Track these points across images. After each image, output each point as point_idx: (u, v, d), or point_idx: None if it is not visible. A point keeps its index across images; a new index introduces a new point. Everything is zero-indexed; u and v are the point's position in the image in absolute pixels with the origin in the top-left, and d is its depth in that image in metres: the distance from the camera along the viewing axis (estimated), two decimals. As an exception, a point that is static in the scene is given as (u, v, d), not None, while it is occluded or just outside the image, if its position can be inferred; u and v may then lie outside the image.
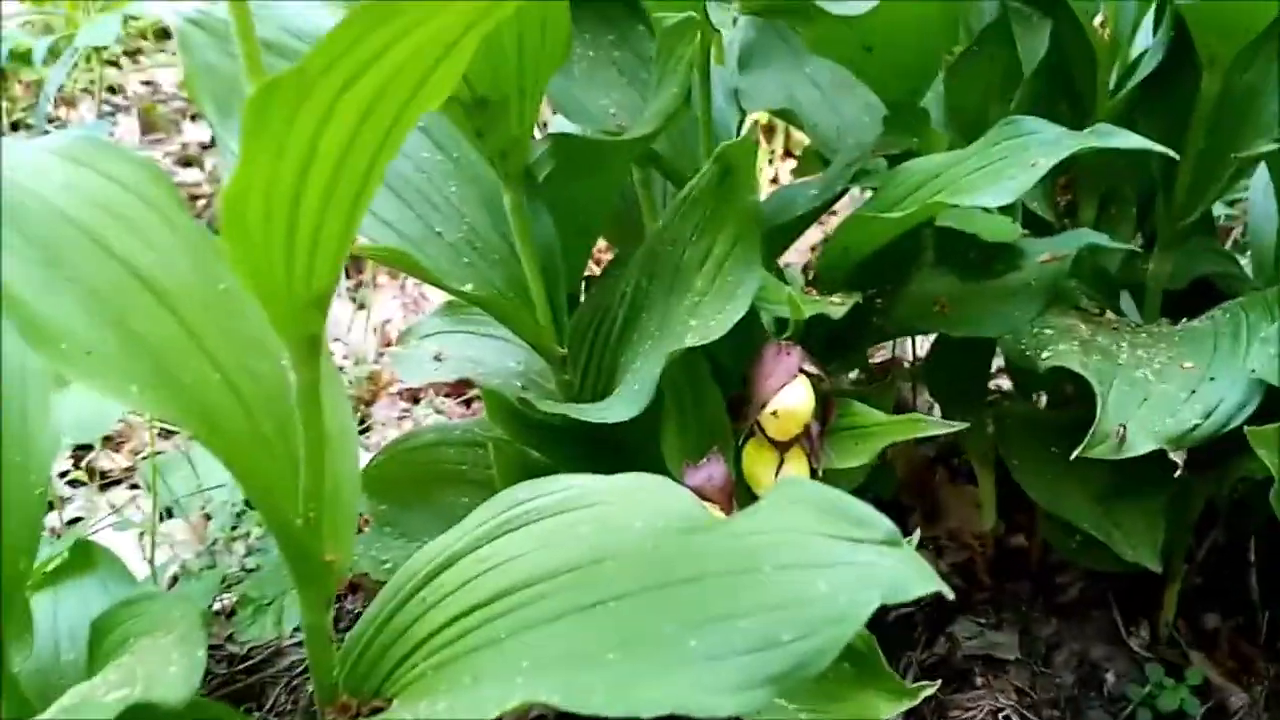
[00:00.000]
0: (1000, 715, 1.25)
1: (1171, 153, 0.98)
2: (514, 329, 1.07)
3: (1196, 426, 0.96)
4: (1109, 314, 1.23)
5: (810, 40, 1.27)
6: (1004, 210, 1.19)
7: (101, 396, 0.81)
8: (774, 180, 2.29)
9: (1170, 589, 1.34)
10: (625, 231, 1.31)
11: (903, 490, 1.55)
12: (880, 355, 1.73)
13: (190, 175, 2.67)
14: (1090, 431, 0.97)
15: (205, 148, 2.79)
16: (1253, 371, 0.99)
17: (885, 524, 0.59)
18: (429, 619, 0.69)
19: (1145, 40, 1.29)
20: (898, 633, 1.36)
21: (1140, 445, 0.95)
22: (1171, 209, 1.24)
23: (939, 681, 0.90)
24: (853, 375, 1.47)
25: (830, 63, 1.32)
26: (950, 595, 0.57)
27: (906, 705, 0.86)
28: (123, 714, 0.57)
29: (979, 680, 1.30)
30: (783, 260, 1.37)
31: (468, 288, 1.03)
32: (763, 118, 2.24)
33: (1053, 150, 0.98)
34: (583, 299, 1.18)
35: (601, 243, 1.55)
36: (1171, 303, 1.32)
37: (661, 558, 0.65)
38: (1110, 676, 1.33)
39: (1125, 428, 0.96)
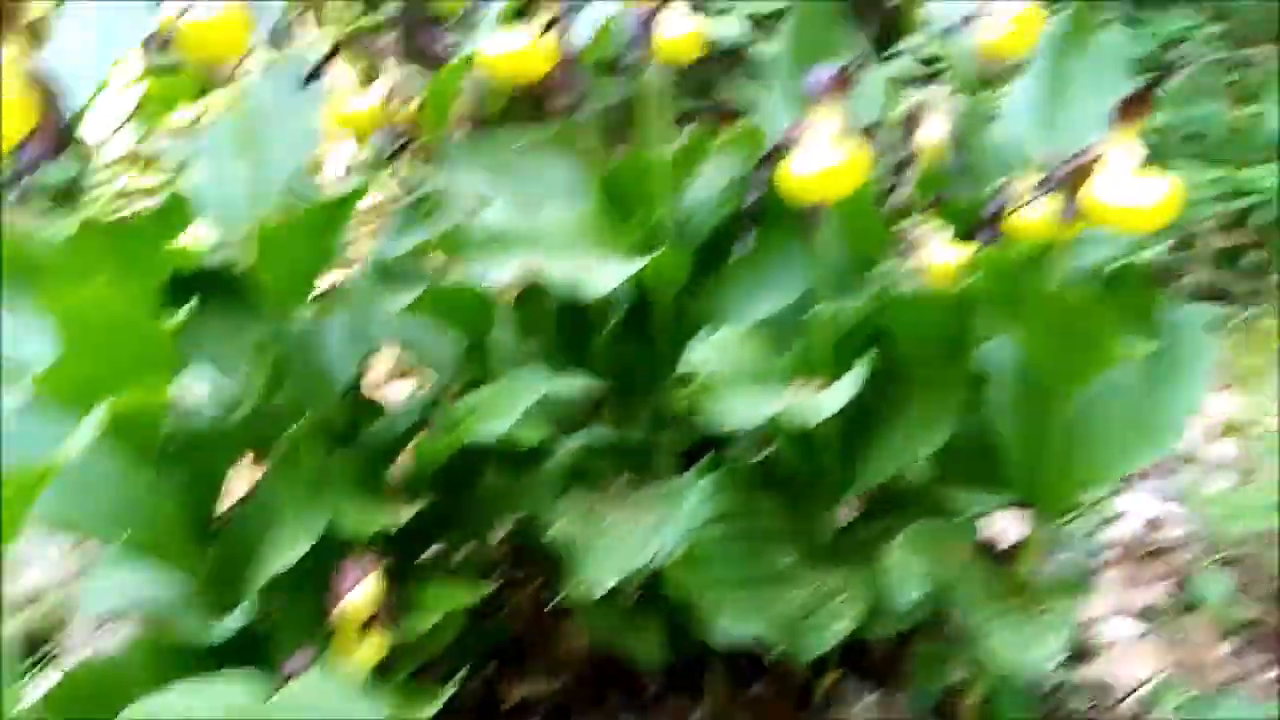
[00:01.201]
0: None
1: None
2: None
3: (641, 565, 1.43)
4: (618, 482, 1.71)
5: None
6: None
7: None
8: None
9: (712, 673, 1.82)
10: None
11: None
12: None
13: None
14: (571, 581, 1.42)
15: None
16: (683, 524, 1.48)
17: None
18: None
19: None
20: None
21: (606, 584, 1.41)
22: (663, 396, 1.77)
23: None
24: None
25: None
26: None
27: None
28: None
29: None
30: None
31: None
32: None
33: (530, 393, 1.46)
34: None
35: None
36: (687, 458, 1.83)
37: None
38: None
39: (591, 578, 1.42)
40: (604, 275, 1.46)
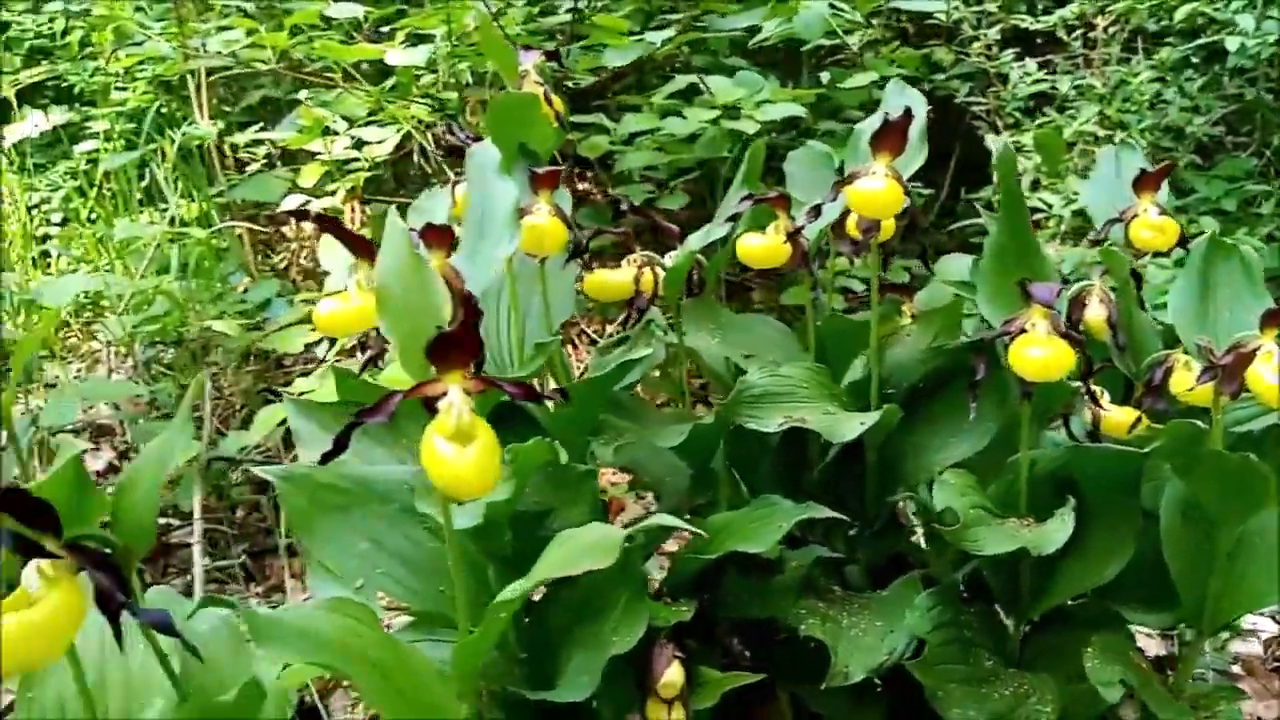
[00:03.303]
0: None
1: (842, 516, 1.84)
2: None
3: (883, 662, 1.77)
4: (838, 589, 2.05)
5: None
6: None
7: None
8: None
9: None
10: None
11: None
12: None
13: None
14: (831, 671, 1.75)
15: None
16: (909, 626, 1.81)
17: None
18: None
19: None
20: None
21: (856, 675, 1.74)
22: (866, 521, 2.11)
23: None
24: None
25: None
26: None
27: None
28: None
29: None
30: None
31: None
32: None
33: (788, 518, 1.81)
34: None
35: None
36: (877, 572, 2.17)
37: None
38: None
39: (849, 668, 1.76)
40: (849, 425, 1.83)
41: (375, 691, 1.30)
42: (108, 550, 1.20)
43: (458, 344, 1.11)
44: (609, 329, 3.62)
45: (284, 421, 3.29)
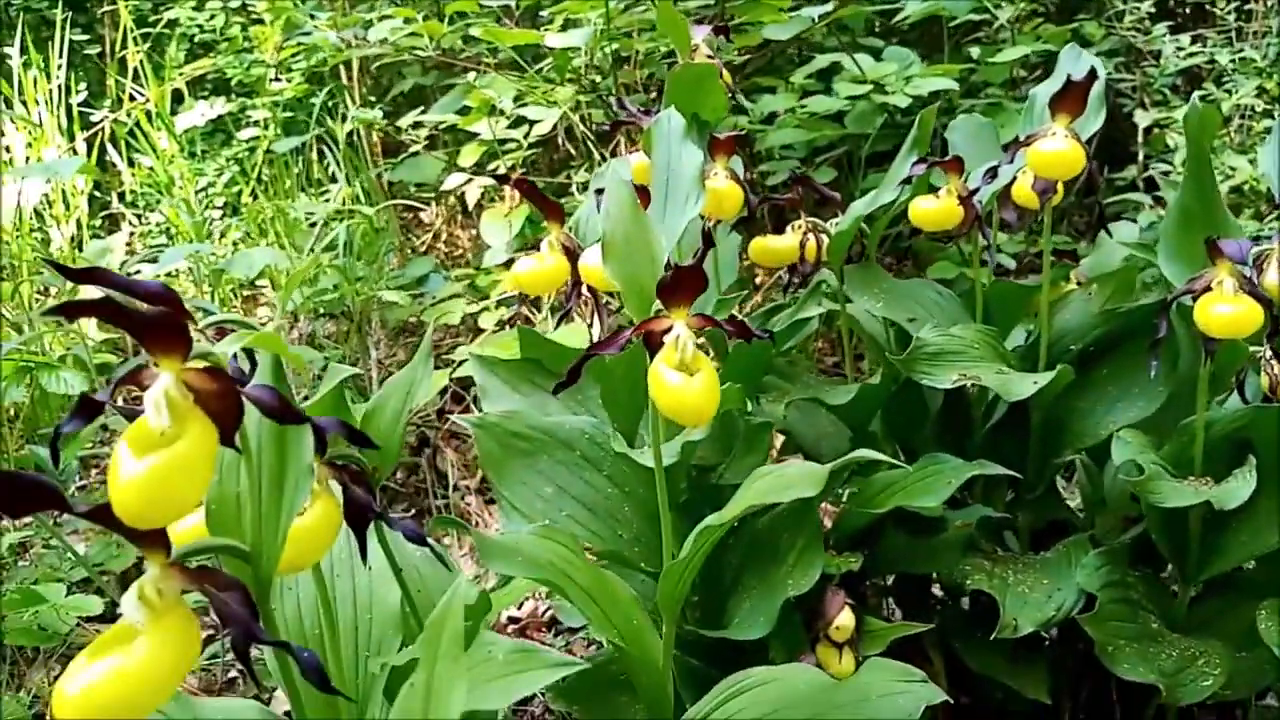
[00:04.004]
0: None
1: (1017, 474, 1.87)
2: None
3: (1052, 616, 1.80)
4: (999, 550, 2.08)
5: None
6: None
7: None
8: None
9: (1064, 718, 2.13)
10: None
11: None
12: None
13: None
14: (999, 624, 1.79)
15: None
16: (1078, 583, 1.84)
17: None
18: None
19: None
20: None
21: (1025, 628, 1.78)
22: (1027, 484, 2.13)
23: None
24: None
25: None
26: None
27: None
28: None
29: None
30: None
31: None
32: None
33: (957, 474, 1.85)
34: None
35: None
36: (1036, 536, 2.19)
37: (816, 700, 1.43)
38: (1033, 781, 2.09)
39: (1017, 620, 1.79)
40: (1023, 384, 1.86)
41: (587, 608, 1.41)
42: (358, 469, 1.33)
43: (689, 281, 1.20)
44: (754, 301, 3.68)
45: (445, 390, 3.48)
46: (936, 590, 2.27)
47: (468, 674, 0.89)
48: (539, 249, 1.86)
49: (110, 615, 2.45)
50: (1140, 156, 4.06)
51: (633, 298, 1.26)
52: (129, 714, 0.79)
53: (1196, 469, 1.85)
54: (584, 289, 1.81)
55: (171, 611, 0.85)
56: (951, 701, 1.37)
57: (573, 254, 1.86)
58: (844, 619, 1.73)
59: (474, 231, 4.06)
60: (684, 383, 1.18)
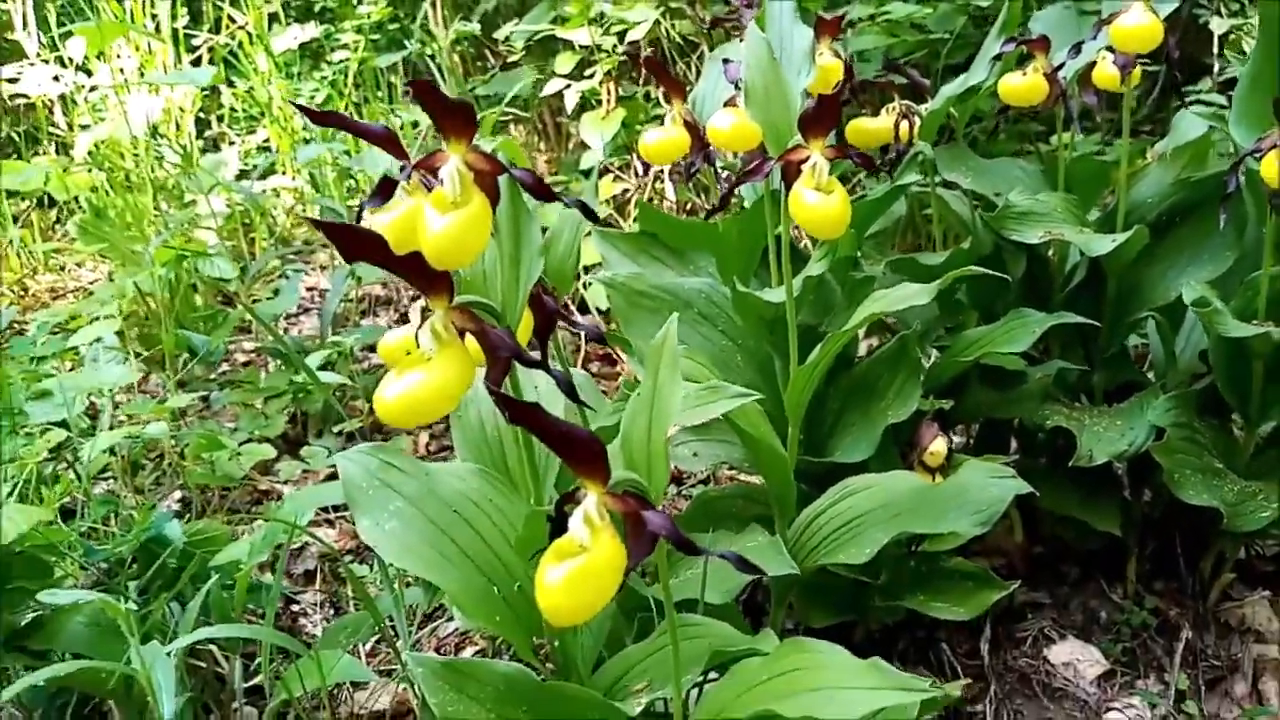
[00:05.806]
0: (1044, 632, 2.23)
1: (1096, 323, 2.07)
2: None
3: (1125, 450, 2.01)
4: (1076, 404, 2.28)
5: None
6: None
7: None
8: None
9: (1130, 562, 2.34)
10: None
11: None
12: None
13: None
14: (1076, 455, 2.00)
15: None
16: (1150, 422, 2.04)
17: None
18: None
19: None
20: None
21: (1099, 459, 1.99)
22: (1100, 346, 2.33)
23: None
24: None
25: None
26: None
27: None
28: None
29: (1029, 615, 2.28)
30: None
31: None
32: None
33: (1041, 324, 2.05)
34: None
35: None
36: (1109, 396, 2.39)
37: (920, 494, 1.67)
38: (1103, 613, 2.31)
39: (1092, 451, 2.00)
40: (1102, 242, 2.05)
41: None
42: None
43: (830, 108, 1.41)
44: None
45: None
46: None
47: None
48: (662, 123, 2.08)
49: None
50: (1215, 69, 4.13)
51: (771, 133, 1.48)
52: (426, 411, 1.05)
53: (1260, 318, 2.03)
54: (709, 152, 2.03)
55: (454, 342, 1.10)
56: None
57: (692, 127, 2.07)
58: (937, 445, 1.96)
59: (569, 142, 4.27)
60: (823, 200, 1.40)
